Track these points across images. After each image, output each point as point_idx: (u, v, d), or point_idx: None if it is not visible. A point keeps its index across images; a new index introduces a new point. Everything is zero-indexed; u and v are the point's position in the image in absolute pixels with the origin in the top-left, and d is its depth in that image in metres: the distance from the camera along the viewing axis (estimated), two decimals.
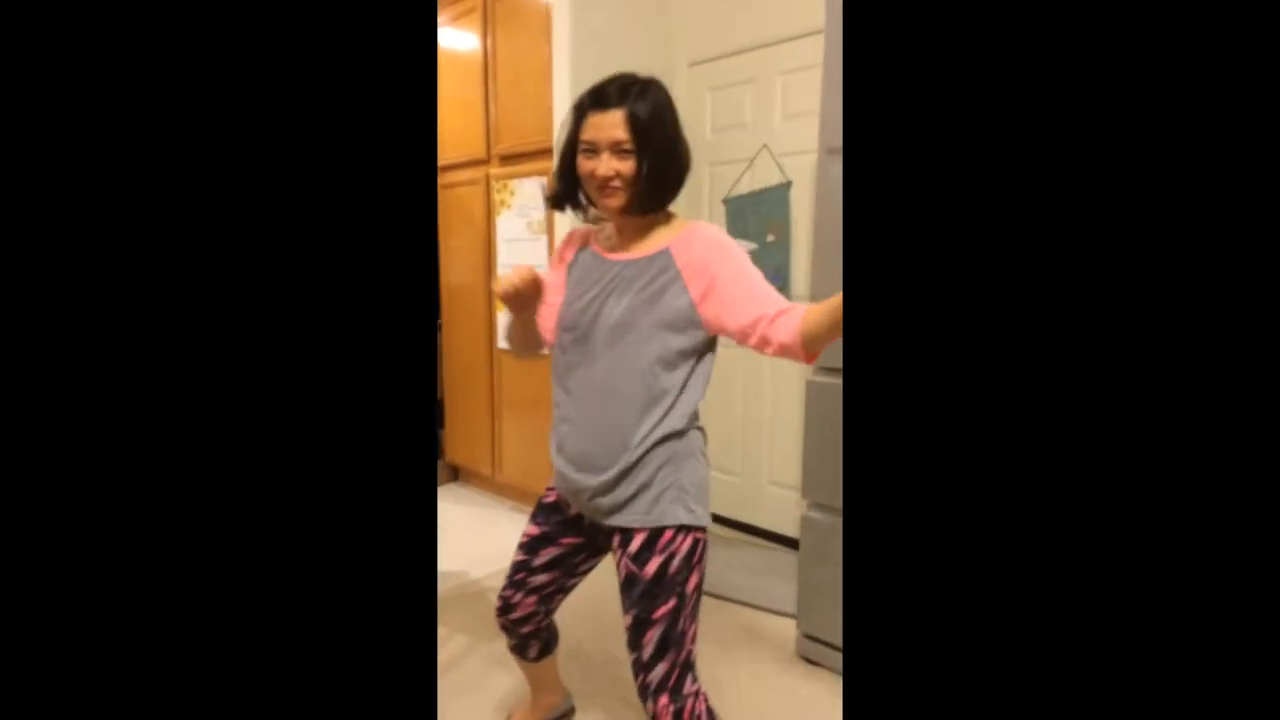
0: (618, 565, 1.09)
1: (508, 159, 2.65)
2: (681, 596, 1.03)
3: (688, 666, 1.06)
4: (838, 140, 1.56)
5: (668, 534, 1.03)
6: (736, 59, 2.45)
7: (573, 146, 1.06)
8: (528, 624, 1.26)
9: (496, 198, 2.69)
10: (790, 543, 2.38)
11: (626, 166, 1.01)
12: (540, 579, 1.21)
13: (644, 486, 1.04)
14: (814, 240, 1.64)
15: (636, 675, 1.06)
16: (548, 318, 1.17)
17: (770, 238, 2.37)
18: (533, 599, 1.22)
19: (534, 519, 1.22)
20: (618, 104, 1.00)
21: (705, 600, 2.07)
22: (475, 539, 2.54)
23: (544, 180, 2.49)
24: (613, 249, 1.11)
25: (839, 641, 1.69)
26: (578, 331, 1.08)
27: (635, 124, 0.99)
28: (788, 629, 1.81)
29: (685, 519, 1.04)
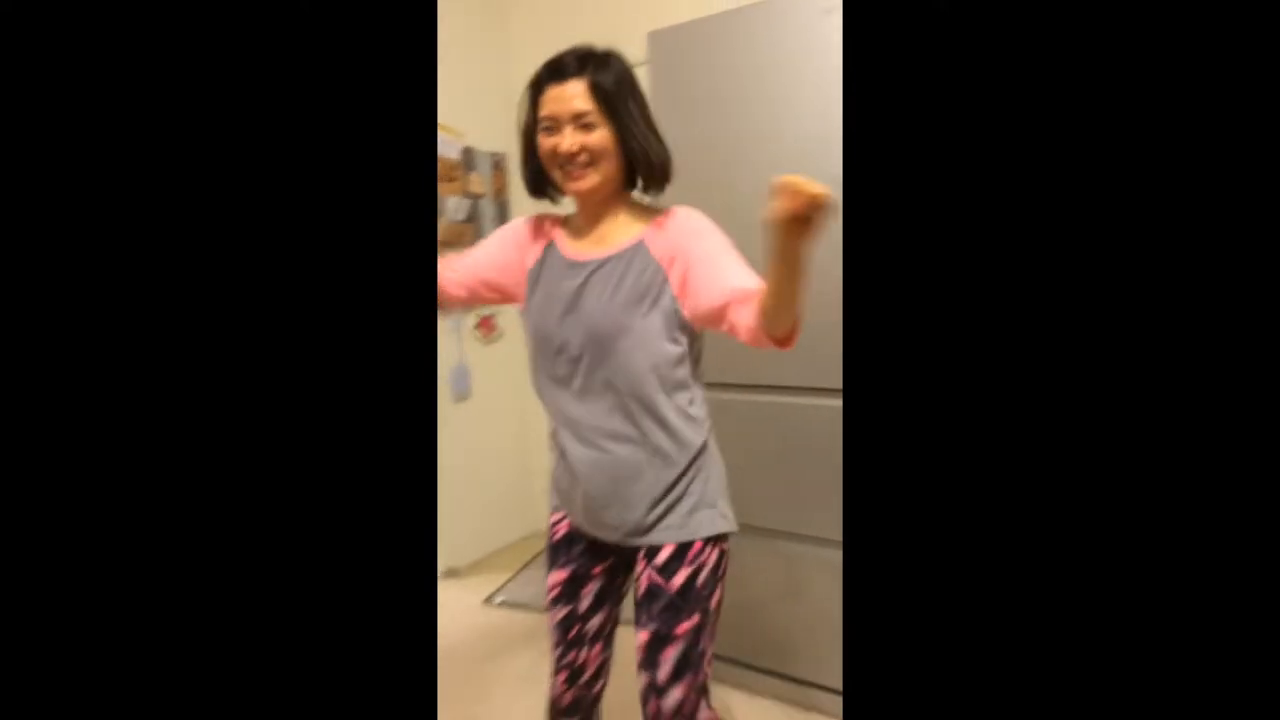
0: (638, 577, 0.99)
1: None
2: (705, 612, 0.95)
3: (703, 691, 0.98)
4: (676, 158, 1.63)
5: (697, 545, 0.95)
6: None
7: (532, 126, 0.95)
8: (600, 678, 1.09)
9: None
10: None
11: (593, 139, 0.89)
12: (596, 621, 1.06)
13: (675, 502, 0.95)
14: None
15: (646, 700, 0.96)
16: (480, 276, 1.05)
17: None
18: (598, 646, 1.07)
19: (554, 564, 1.07)
20: (577, 73, 0.89)
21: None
22: None
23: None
24: (581, 248, 0.98)
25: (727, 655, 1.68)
26: (563, 349, 0.95)
27: (599, 93, 0.89)
28: None
29: (717, 528, 0.96)
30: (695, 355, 0.98)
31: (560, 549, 1.07)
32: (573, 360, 0.94)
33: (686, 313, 0.92)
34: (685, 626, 0.94)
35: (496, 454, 2.62)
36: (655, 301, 0.91)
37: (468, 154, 2.45)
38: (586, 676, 1.07)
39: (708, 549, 0.96)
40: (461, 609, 2.18)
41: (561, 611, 1.06)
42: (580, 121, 0.89)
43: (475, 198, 2.49)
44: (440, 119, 2.36)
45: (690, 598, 0.94)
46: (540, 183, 0.98)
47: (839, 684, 1.58)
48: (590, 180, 0.92)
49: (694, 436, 0.96)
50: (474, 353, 2.49)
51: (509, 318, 2.55)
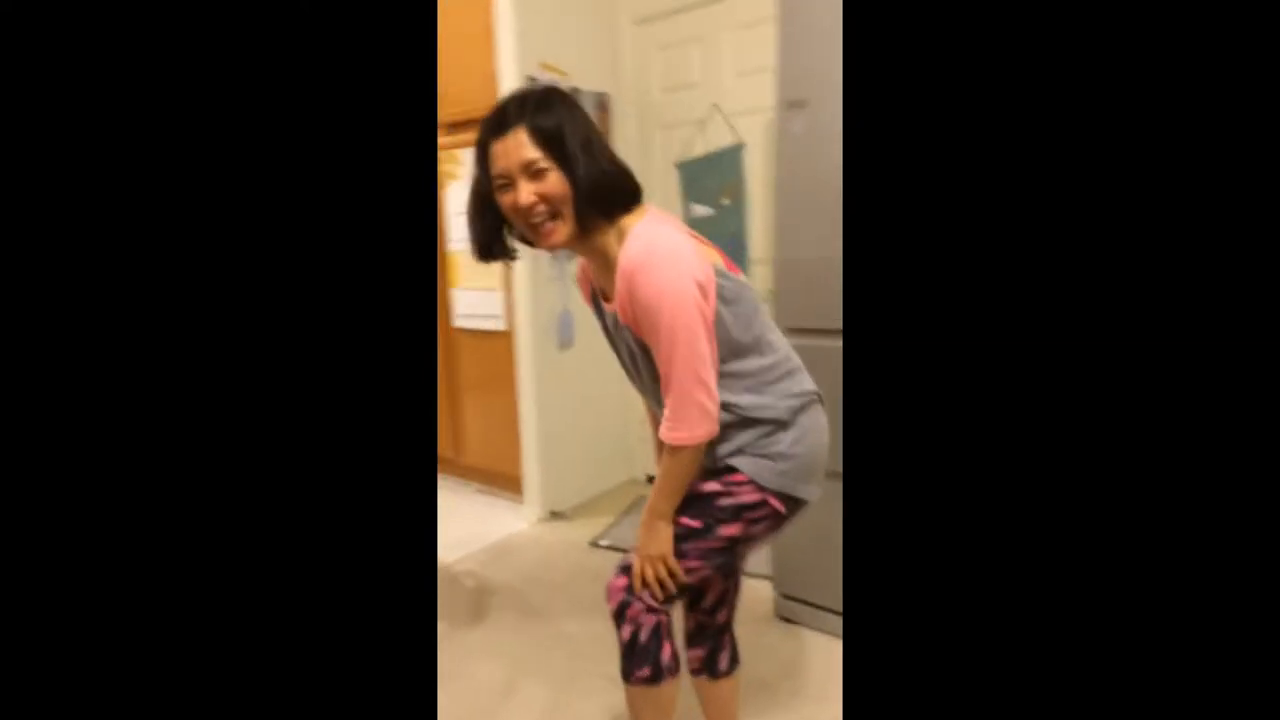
0: None
1: (455, 127, 2.53)
2: (710, 523, 0.98)
3: (674, 587, 1.00)
4: (798, 93, 1.52)
5: (739, 476, 0.98)
6: (684, 16, 2.38)
7: (486, 187, 0.93)
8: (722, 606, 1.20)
9: (444, 168, 2.58)
10: None
11: (548, 186, 0.88)
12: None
13: (721, 442, 0.99)
14: (776, 202, 1.61)
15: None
16: None
17: (725, 201, 2.33)
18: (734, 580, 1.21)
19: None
20: (516, 122, 0.88)
21: None
22: (442, 523, 2.48)
23: None
24: (604, 291, 1.02)
25: (814, 598, 1.71)
26: (628, 362, 1.05)
27: (542, 136, 0.88)
28: (764, 591, 1.82)
29: (760, 476, 0.97)
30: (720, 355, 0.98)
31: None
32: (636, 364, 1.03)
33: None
34: (683, 519, 0.99)
35: (599, 400, 2.65)
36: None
37: (573, 94, 2.40)
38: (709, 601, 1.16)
39: (746, 487, 0.98)
40: (569, 549, 2.25)
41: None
42: (531, 170, 0.88)
43: None
44: (546, 59, 2.31)
45: (702, 503, 0.99)
46: (490, 246, 0.98)
47: (839, 605, 1.69)
48: (560, 233, 0.91)
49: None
50: (578, 300, 2.49)
51: None
